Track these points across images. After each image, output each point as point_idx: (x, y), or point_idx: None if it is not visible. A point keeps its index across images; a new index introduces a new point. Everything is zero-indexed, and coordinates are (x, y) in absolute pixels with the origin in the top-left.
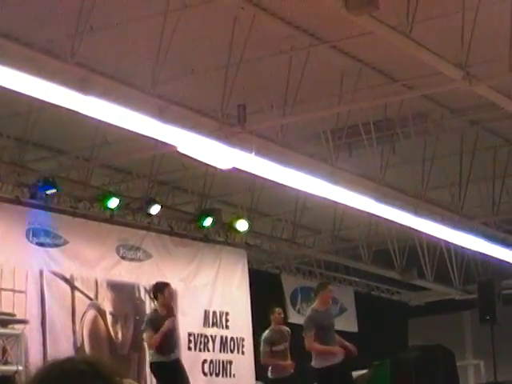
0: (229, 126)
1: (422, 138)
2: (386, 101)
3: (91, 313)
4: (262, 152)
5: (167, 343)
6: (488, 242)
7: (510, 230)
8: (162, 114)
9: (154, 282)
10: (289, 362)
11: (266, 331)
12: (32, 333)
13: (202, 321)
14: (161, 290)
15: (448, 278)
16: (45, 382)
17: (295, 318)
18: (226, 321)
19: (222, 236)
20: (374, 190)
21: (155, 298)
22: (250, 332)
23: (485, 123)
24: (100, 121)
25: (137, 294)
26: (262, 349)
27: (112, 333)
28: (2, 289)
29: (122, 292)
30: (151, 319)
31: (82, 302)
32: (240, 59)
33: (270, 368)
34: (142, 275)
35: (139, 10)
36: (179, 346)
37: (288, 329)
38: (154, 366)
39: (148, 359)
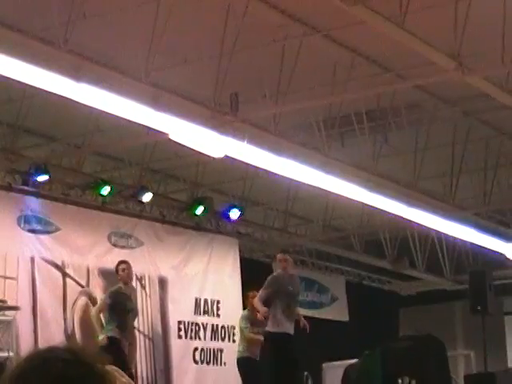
0: (221, 114)
1: (415, 128)
2: (378, 91)
3: (82, 300)
4: (254, 141)
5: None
6: (480, 232)
7: (501, 221)
8: (155, 102)
9: (145, 270)
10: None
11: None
12: (23, 319)
13: (193, 309)
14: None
15: (439, 268)
16: (26, 372)
17: None
18: (217, 309)
19: (214, 224)
20: (366, 179)
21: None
22: None
23: (477, 114)
24: (92, 108)
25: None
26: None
27: (102, 319)
28: None
29: (114, 279)
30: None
31: (73, 289)
32: (233, 48)
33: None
34: (133, 263)
35: None
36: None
37: None
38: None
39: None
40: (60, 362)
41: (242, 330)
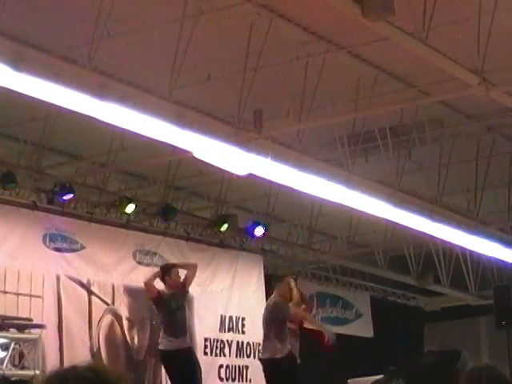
0: (245, 131)
1: (438, 144)
2: (402, 106)
3: (108, 318)
4: (278, 157)
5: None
6: (504, 247)
7: None
8: (179, 120)
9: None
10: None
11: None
12: (49, 337)
13: (219, 326)
14: (168, 272)
15: (464, 284)
16: None
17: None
18: (243, 326)
19: (238, 241)
20: (389, 195)
21: (164, 281)
22: None
23: (501, 129)
24: (116, 126)
25: None
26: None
27: (128, 338)
28: (19, 294)
29: (139, 297)
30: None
31: (98, 307)
32: (256, 65)
33: None
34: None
35: (156, 16)
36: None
37: None
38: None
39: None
40: (81, 381)
41: None
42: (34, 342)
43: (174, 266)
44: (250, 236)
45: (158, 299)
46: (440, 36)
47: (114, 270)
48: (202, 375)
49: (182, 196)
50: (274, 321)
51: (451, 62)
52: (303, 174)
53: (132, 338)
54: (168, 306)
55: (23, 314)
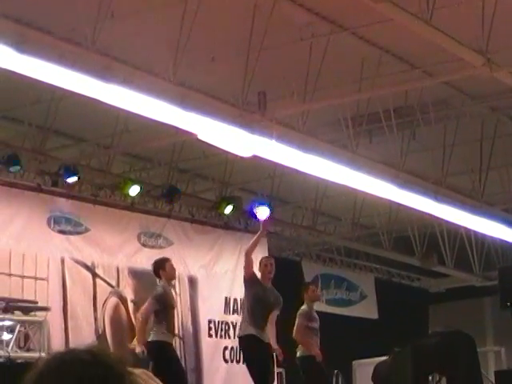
0: (249, 113)
1: (443, 125)
2: (406, 87)
3: (112, 300)
4: (282, 139)
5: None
6: (508, 228)
7: None
8: (183, 102)
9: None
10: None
11: (303, 306)
12: (54, 320)
13: (223, 308)
14: (162, 266)
15: (468, 265)
16: (44, 374)
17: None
18: None
19: (243, 223)
20: (394, 176)
21: (158, 276)
22: None
23: (505, 110)
24: (120, 108)
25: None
26: (297, 322)
27: (133, 320)
28: (24, 276)
29: (144, 279)
30: (161, 295)
31: (103, 290)
32: (260, 46)
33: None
34: None
35: None
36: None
37: None
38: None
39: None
40: (78, 363)
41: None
42: (40, 325)
43: (167, 260)
44: (253, 218)
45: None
46: (444, 16)
47: (119, 252)
48: (207, 357)
49: (186, 178)
50: None
51: (455, 43)
52: (307, 156)
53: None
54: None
55: (28, 296)
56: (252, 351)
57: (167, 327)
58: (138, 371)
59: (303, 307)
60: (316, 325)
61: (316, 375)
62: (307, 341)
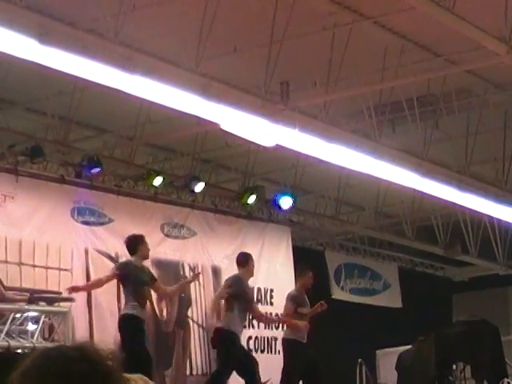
0: (272, 103)
1: (466, 114)
2: (429, 76)
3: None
4: (305, 129)
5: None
6: None
7: None
8: (205, 92)
9: (198, 260)
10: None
11: (294, 290)
12: (78, 311)
13: None
14: (142, 242)
15: (492, 253)
16: (29, 369)
17: (339, 294)
18: (271, 297)
19: (266, 213)
20: (417, 165)
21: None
22: None
23: None
24: (143, 99)
25: (181, 272)
26: (286, 305)
27: (157, 310)
28: (48, 267)
29: (167, 269)
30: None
31: None
32: (283, 36)
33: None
34: (186, 253)
35: None
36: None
37: None
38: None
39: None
40: (62, 359)
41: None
42: (64, 315)
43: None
44: (277, 208)
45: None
46: (467, 4)
47: None
48: None
49: (209, 168)
50: None
51: (478, 31)
52: (330, 145)
53: (161, 311)
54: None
55: (52, 287)
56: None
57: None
58: (134, 376)
59: (293, 291)
60: (306, 310)
61: (300, 358)
62: (295, 323)
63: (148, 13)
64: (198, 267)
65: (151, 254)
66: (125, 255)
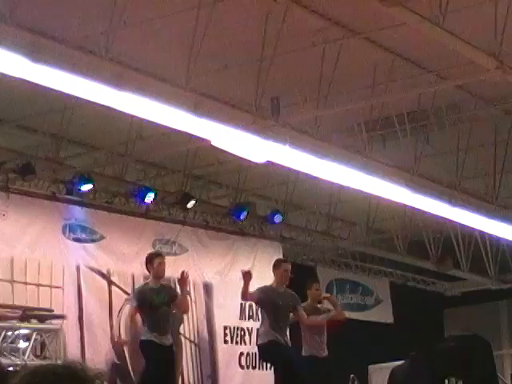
0: (263, 119)
1: (456, 129)
2: (419, 92)
3: (128, 307)
4: (296, 144)
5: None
6: None
7: None
8: (196, 108)
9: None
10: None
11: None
12: (70, 328)
13: (239, 314)
14: (150, 261)
15: (483, 268)
16: None
17: None
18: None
19: (257, 229)
20: (408, 180)
21: (148, 271)
22: None
23: None
24: (134, 116)
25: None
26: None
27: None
28: (40, 284)
29: None
30: (138, 292)
31: (118, 297)
32: (273, 52)
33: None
34: (177, 269)
35: (172, 5)
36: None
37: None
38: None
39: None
40: (51, 376)
41: None
42: (56, 333)
43: (158, 254)
44: (270, 223)
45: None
46: (457, 20)
47: (134, 259)
48: (223, 364)
49: (200, 184)
50: None
51: (468, 46)
52: (321, 161)
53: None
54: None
55: (44, 304)
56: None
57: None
58: None
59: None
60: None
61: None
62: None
63: (138, 30)
64: (190, 283)
65: (142, 270)
66: (116, 272)
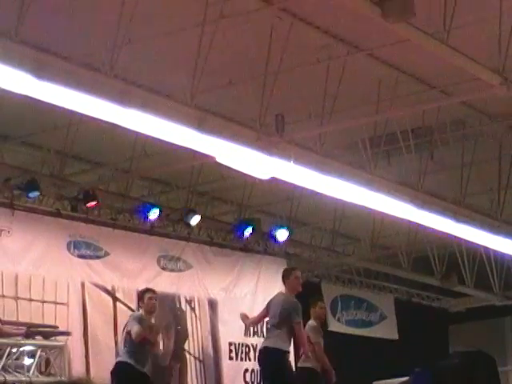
0: (267, 135)
1: (460, 145)
2: (423, 108)
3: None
4: (300, 161)
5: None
6: None
7: None
8: (201, 125)
9: (194, 292)
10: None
11: (312, 321)
12: (74, 344)
13: (243, 330)
14: (141, 297)
15: (488, 284)
16: None
17: (335, 326)
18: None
19: (262, 245)
20: (412, 197)
21: (139, 306)
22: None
23: None
24: (138, 133)
25: (177, 305)
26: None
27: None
28: (45, 301)
29: (163, 303)
30: (140, 318)
31: (123, 314)
32: (277, 69)
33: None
34: (182, 286)
35: (176, 22)
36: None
37: None
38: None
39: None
40: None
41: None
42: (60, 349)
43: (148, 290)
44: (273, 240)
45: None
46: (461, 36)
47: (139, 275)
48: (228, 380)
49: (204, 201)
50: None
51: (472, 63)
52: (326, 177)
53: (157, 344)
54: None
55: (49, 321)
56: None
57: None
58: None
59: (313, 323)
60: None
61: None
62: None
63: (143, 46)
64: (194, 300)
65: (148, 286)
66: (121, 288)
